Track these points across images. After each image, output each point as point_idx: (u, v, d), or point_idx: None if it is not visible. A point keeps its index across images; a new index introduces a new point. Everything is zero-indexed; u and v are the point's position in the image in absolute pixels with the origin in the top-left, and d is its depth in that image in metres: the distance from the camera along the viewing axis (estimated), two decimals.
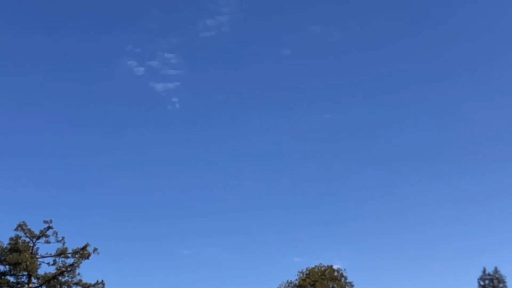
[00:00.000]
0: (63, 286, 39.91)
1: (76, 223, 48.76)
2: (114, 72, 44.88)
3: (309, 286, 42.94)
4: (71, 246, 40.38)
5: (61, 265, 40.74)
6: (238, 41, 45.40)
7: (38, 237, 40.82)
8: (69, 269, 39.68)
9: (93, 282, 40.63)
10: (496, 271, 43.89)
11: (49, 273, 40.57)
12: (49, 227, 40.46)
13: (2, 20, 46.55)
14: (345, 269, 45.46)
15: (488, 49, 42.39)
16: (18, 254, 40.15)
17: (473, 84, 42.40)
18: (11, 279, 40.53)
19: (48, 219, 39.88)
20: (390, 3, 44.39)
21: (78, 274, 40.32)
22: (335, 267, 45.18)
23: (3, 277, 39.94)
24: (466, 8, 42.80)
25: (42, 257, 41.21)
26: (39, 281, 40.61)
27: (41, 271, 39.97)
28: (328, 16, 45.75)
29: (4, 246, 40.92)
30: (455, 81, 41.89)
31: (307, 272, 45.43)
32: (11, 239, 41.23)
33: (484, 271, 44.55)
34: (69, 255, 41.17)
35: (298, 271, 45.53)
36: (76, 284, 40.22)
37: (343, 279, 45.71)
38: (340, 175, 41.00)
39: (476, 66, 42.79)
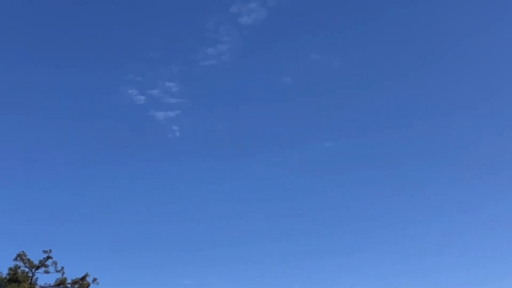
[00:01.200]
0: None
1: (76, 253, 48.66)
2: (115, 101, 45.02)
3: None
4: (70, 276, 40.25)
5: None
6: (238, 70, 45.60)
7: (38, 267, 40.64)
8: None
9: None
10: None
11: None
12: (48, 257, 40.32)
13: (1, 53, 46.73)
14: None
15: (489, 87, 42.53)
16: (17, 284, 39.94)
17: (473, 119, 42.57)
18: None
19: (47, 249, 39.85)
20: (390, 33, 44.66)
21: None
22: None
23: None
24: (469, 42, 43.04)
25: (42, 287, 40.97)
26: None
27: None
28: (328, 44, 45.97)
29: (3, 276, 40.72)
30: (458, 115, 42.08)
31: None
32: (10, 269, 41.08)
33: None
34: (69, 285, 40.92)
35: None
36: None
37: None
38: (341, 204, 40.90)
39: (477, 101, 42.94)
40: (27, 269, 40.65)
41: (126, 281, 48.52)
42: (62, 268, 39.73)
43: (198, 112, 45.97)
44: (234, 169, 42.85)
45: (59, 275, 40.05)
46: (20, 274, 40.11)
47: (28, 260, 40.52)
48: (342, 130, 41.04)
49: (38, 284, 40.44)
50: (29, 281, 40.38)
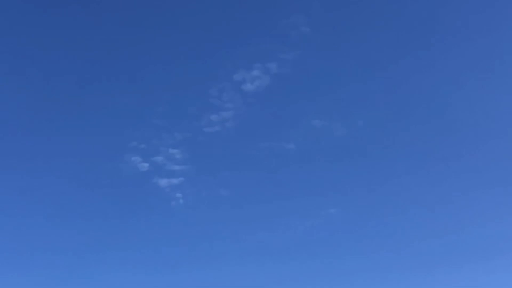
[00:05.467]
0: None
1: None
2: (118, 169, 44.95)
3: None
4: None
5: None
6: (242, 136, 45.67)
7: None
8: None
9: None
10: None
11: None
12: None
13: (3, 121, 46.96)
14: None
15: (489, 146, 42.76)
16: None
17: (474, 173, 42.66)
18: None
19: None
20: (392, 98, 44.96)
21: None
22: None
23: None
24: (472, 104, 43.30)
25: None
26: None
27: None
28: (330, 110, 46.12)
29: None
30: (460, 176, 41.94)
31: None
32: None
33: None
34: None
35: None
36: None
37: None
38: (346, 270, 40.40)
39: (478, 160, 42.95)
40: None
41: None
42: None
43: (201, 179, 45.86)
44: (237, 236, 42.67)
45: None
46: None
47: None
48: (347, 196, 41.08)
49: None
50: None
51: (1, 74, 44.27)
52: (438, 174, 41.45)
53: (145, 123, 42.98)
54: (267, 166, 42.73)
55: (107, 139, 43.42)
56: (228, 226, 41.16)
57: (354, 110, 43.02)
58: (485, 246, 39.98)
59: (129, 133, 42.69)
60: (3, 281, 40.03)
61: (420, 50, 43.67)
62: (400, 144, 42.82)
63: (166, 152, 42.18)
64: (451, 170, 41.98)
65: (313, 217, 41.15)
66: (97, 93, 43.97)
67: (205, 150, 43.35)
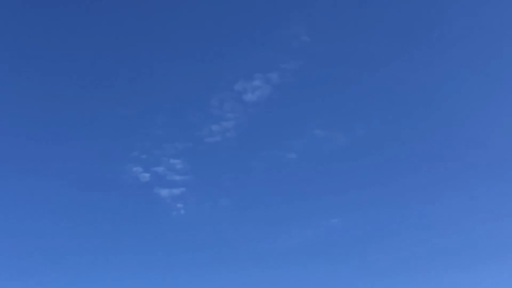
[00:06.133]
0: None
1: None
2: (119, 179, 44.91)
3: None
4: None
5: None
6: (243, 146, 45.62)
7: None
8: None
9: None
10: None
11: None
12: None
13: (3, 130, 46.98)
14: None
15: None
16: None
17: (476, 182, 42.57)
18: None
19: None
20: (393, 108, 44.89)
21: None
22: None
23: None
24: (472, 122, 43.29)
25: None
26: None
27: None
28: (331, 120, 46.07)
29: None
30: (462, 184, 41.76)
31: None
32: None
33: None
34: None
35: None
36: None
37: None
38: (347, 280, 40.18)
39: (479, 168, 42.76)
40: None
41: None
42: None
43: (203, 189, 45.80)
44: (238, 247, 42.55)
45: None
46: None
47: None
48: (348, 206, 40.91)
49: None
50: None
51: (4, 83, 44.29)
52: (440, 184, 41.26)
53: (146, 133, 42.89)
54: (268, 176, 42.59)
55: (108, 149, 43.32)
56: (229, 236, 41.03)
57: (355, 120, 42.87)
58: (488, 248, 39.81)
59: (130, 143, 42.59)
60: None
61: (422, 59, 43.61)
62: (402, 154, 42.61)
63: (167, 162, 42.07)
64: (453, 179, 41.79)
65: (314, 227, 40.99)
66: (98, 103, 43.94)
67: (206, 160, 43.20)
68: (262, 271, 40.59)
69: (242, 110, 42.62)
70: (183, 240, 41.72)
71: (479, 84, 43.24)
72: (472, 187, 41.83)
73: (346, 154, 42.85)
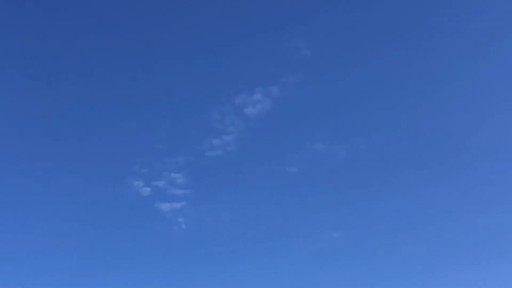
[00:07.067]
0: None
1: None
2: (120, 193, 44.85)
3: None
4: None
5: None
6: (244, 160, 45.58)
7: None
8: None
9: None
10: None
11: None
12: None
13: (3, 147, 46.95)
14: None
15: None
16: None
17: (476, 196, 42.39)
18: None
19: None
20: (394, 122, 44.89)
21: None
22: None
23: None
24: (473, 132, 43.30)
25: None
26: None
27: None
28: (332, 134, 46.09)
29: None
30: (464, 197, 41.63)
31: None
32: None
33: None
34: None
35: None
36: None
37: None
38: None
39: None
40: None
41: None
42: None
43: (203, 203, 45.72)
44: (239, 261, 42.40)
45: None
46: None
47: None
48: (349, 220, 40.76)
49: None
50: None
51: (4, 100, 44.35)
52: (442, 197, 41.23)
53: (147, 147, 42.85)
54: (269, 190, 42.53)
55: (109, 163, 43.26)
56: (230, 250, 40.93)
57: (356, 134, 42.88)
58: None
59: (131, 157, 42.55)
60: None
61: (423, 73, 43.70)
62: (403, 168, 42.59)
63: (168, 177, 42.00)
64: (454, 191, 41.75)
65: (316, 241, 40.89)
66: (99, 117, 43.94)
67: (207, 174, 43.15)
68: (264, 285, 40.40)
69: (243, 124, 42.58)
70: (184, 254, 41.57)
71: (484, 97, 43.28)
72: (478, 202, 41.75)
73: (346, 167, 42.77)
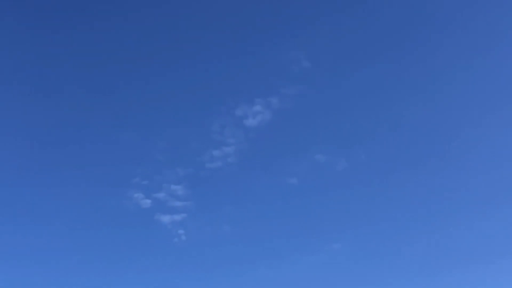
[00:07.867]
0: None
1: None
2: (120, 205, 44.80)
3: None
4: None
5: None
6: (244, 171, 45.55)
7: None
8: None
9: None
10: None
11: None
12: None
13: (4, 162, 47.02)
14: None
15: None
16: None
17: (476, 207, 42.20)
18: None
19: None
20: (394, 132, 44.88)
21: None
22: None
23: None
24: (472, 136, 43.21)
25: None
26: None
27: None
28: (333, 144, 46.08)
29: None
30: (465, 208, 41.52)
31: None
32: None
33: None
34: None
35: None
36: None
37: None
38: None
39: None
40: None
41: None
42: None
43: (204, 215, 45.65)
44: (239, 272, 42.28)
45: None
46: None
47: None
48: (350, 231, 40.64)
49: None
50: None
51: (4, 110, 44.39)
52: (443, 206, 41.15)
53: (147, 159, 42.84)
54: (270, 201, 42.50)
55: (109, 175, 43.25)
56: (231, 262, 40.84)
57: (356, 144, 42.86)
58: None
59: (131, 169, 42.53)
60: None
61: (423, 81, 43.71)
62: (403, 178, 42.55)
63: (168, 188, 41.96)
64: (455, 201, 41.69)
65: (316, 253, 40.82)
66: (99, 128, 43.95)
67: (207, 186, 43.12)
68: None
69: (243, 135, 42.57)
70: (184, 267, 41.49)
71: (484, 103, 43.24)
72: (478, 204, 41.64)
73: (347, 178, 42.73)
